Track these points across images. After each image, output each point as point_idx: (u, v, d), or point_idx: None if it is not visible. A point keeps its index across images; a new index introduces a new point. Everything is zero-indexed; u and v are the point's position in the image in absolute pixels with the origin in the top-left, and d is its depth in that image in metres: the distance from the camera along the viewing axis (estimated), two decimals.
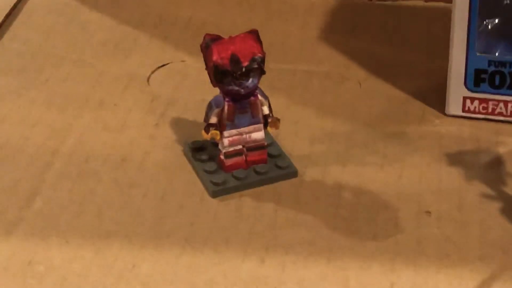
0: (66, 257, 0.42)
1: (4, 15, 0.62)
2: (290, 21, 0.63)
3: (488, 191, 0.47)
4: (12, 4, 0.63)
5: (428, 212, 0.45)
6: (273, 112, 0.48)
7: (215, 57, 0.45)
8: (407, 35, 0.61)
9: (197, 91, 0.55)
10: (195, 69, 0.57)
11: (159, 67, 0.58)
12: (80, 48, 0.60)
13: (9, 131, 0.51)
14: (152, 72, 0.57)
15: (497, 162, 0.49)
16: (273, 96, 0.49)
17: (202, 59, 0.47)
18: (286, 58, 0.59)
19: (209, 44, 0.45)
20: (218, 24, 0.62)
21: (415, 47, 0.59)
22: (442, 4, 0.63)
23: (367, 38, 0.61)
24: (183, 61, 0.59)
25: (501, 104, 0.52)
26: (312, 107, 0.54)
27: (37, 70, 0.57)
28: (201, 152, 0.49)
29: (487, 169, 0.48)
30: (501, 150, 0.50)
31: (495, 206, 0.46)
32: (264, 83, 0.47)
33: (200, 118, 0.49)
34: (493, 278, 0.41)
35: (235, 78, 0.45)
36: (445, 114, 0.53)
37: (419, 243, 0.43)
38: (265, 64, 0.46)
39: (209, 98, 0.48)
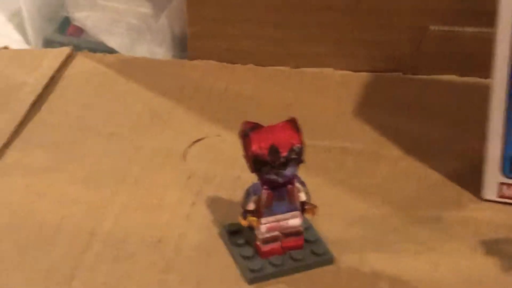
0: None
1: (41, 86, 0.62)
2: (323, 95, 0.63)
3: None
4: (50, 76, 0.64)
5: None
6: (310, 197, 0.48)
7: (254, 147, 0.45)
8: (442, 111, 0.61)
9: (233, 167, 0.55)
10: (231, 144, 0.57)
11: (194, 142, 0.58)
12: (117, 120, 0.60)
13: (47, 209, 0.52)
14: (188, 147, 0.58)
15: None
16: (308, 175, 0.49)
17: (237, 133, 0.47)
18: (321, 134, 0.59)
19: (247, 133, 0.46)
20: (253, 96, 0.63)
21: (450, 124, 0.59)
22: (477, 79, 0.63)
23: (401, 113, 0.61)
24: (218, 135, 0.59)
25: None
26: (346, 188, 0.54)
27: (74, 143, 0.58)
28: (237, 235, 0.49)
29: None
30: None
31: None
32: None
33: (236, 196, 0.50)
34: None
35: (274, 168, 0.45)
36: (481, 199, 0.53)
37: None
38: (304, 148, 0.47)
39: (245, 174, 0.48)
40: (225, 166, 0.56)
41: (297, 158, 0.45)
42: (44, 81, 0.63)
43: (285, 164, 0.45)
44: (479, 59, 0.54)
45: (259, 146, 0.45)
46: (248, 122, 0.46)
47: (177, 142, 0.58)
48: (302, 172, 0.48)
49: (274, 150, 0.45)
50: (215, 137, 0.59)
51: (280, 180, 0.46)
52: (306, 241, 0.48)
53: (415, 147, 0.57)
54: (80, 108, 0.62)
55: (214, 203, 0.53)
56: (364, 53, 0.65)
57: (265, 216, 0.47)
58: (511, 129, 0.50)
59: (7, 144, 0.57)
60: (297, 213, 0.47)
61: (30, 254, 0.48)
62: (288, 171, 0.46)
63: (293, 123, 0.46)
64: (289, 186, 0.47)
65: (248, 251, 0.48)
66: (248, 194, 0.47)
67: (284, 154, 0.45)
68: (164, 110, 0.62)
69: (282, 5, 0.65)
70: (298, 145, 0.45)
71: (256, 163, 0.45)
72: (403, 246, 0.49)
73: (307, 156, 0.53)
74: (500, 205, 0.52)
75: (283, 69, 0.66)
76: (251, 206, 0.47)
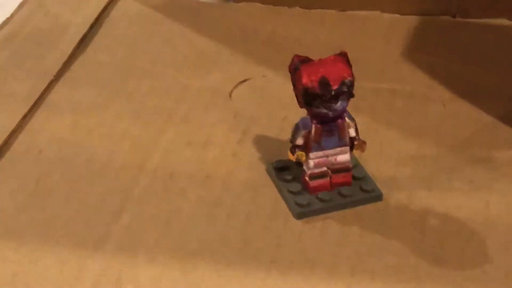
0: (153, 276, 0.42)
1: (88, 25, 0.63)
2: (372, 38, 0.63)
3: None
4: (95, 16, 0.64)
5: None
6: (359, 134, 0.48)
7: (304, 80, 0.44)
8: (492, 56, 0.60)
9: (279, 108, 0.55)
10: (277, 84, 0.57)
11: (241, 82, 0.58)
12: (163, 61, 0.60)
13: (96, 144, 0.52)
14: (234, 87, 0.58)
15: None
16: (356, 115, 0.49)
17: (283, 74, 0.47)
18: (369, 76, 0.58)
19: (298, 66, 0.45)
20: (300, 39, 0.62)
21: (500, 68, 0.58)
22: None
23: (450, 56, 0.60)
24: (264, 76, 0.59)
25: None
26: (396, 128, 0.53)
27: (122, 82, 0.58)
28: (285, 172, 0.49)
29: None
30: None
31: None
32: None
33: (283, 135, 0.49)
34: None
35: (324, 101, 0.45)
36: None
37: (508, 275, 0.43)
38: (354, 82, 0.46)
39: (291, 114, 0.48)
40: (271, 107, 0.56)
41: (347, 91, 0.45)
42: (90, 21, 0.63)
43: (336, 97, 0.45)
44: None
45: (310, 79, 0.44)
46: (298, 56, 0.46)
47: (223, 82, 0.58)
48: (350, 112, 0.48)
49: (325, 83, 0.44)
50: (261, 77, 0.58)
51: (331, 114, 0.45)
52: (355, 178, 0.48)
53: (466, 90, 0.57)
54: (126, 47, 0.62)
55: (261, 142, 0.53)
56: None
57: (314, 151, 0.47)
58: None
59: (54, 82, 0.57)
60: (347, 148, 0.47)
61: (79, 188, 0.48)
62: (339, 105, 0.45)
63: (344, 57, 0.46)
64: (339, 121, 0.46)
65: (296, 186, 0.48)
66: (297, 129, 0.47)
67: (335, 87, 0.44)
68: (210, 51, 0.61)
69: None
70: (350, 78, 0.45)
71: (307, 96, 0.45)
72: (454, 185, 0.49)
73: (355, 98, 0.53)
74: None
75: (330, 12, 0.65)
76: (300, 141, 0.47)
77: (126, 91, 0.57)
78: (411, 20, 0.64)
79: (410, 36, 0.63)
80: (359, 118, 0.50)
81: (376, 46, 0.62)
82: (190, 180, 0.49)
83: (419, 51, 0.61)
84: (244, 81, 0.58)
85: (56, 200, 0.48)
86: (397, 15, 0.65)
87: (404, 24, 0.64)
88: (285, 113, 0.54)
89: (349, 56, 0.47)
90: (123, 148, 0.52)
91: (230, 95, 0.57)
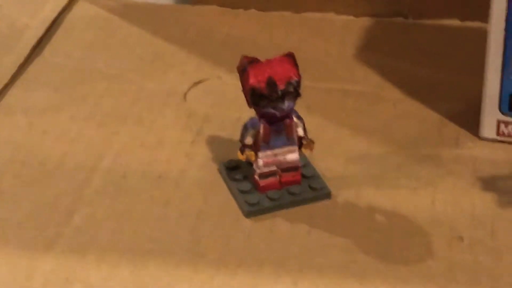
0: (103, 275, 0.43)
1: (44, 28, 0.63)
2: (327, 39, 0.64)
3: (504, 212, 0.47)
4: (52, 18, 0.64)
5: (461, 238, 0.45)
6: (308, 133, 0.48)
7: (251, 80, 0.45)
8: (443, 56, 0.61)
9: (233, 109, 0.55)
10: (232, 86, 0.57)
11: (196, 83, 0.59)
12: (119, 63, 0.61)
13: (49, 146, 0.52)
14: (189, 89, 0.58)
15: None
16: (308, 115, 0.50)
17: (238, 75, 0.47)
18: (323, 77, 0.59)
19: (246, 66, 0.46)
20: (256, 41, 0.63)
21: (451, 67, 0.59)
22: (478, 23, 0.63)
23: (403, 57, 0.61)
24: (219, 77, 0.59)
25: None
26: (346, 128, 0.54)
27: (77, 84, 0.58)
28: (236, 171, 0.50)
29: None
30: None
31: None
32: (299, 101, 0.48)
33: (236, 136, 0.50)
34: None
35: (271, 101, 0.46)
36: (479, 138, 0.53)
37: (451, 269, 0.44)
38: (301, 81, 0.47)
39: (245, 116, 0.48)
40: (225, 107, 0.56)
41: (294, 91, 0.46)
42: (46, 24, 0.64)
43: (282, 97, 0.46)
44: (480, 3, 0.54)
45: (257, 80, 0.45)
46: (246, 57, 0.46)
47: (178, 84, 0.59)
48: (302, 112, 0.49)
49: (271, 83, 0.45)
50: (216, 79, 0.59)
51: (278, 113, 0.46)
52: (304, 176, 0.49)
53: (416, 90, 0.58)
54: (82, 50, 0.62)
55: (214, 142, 0.53)
56: None
57: (263, 151, 0.47)
58: (509, 67, 0.51)
59: (10, 84, 0.58)
60: (295, 148, 0.48)
61: (32, 189, 0.49)
62: (286, 105, 0.46)
63: (290, 57, 0.46)
64: (287, 120, 0.47)
65: (246, 185, 0.48)
66: (246, 129, 0.47)
67: (282, 87, 0.45)
68: (166, 53, 0.62)
69: None
70: (296, 78, 0.46)
71: (254, 96, 0.45)
72: (401, 182, 0.50)
73: (308, 97, 0.54)
74: (498, 143, 0.53)
75: (285, 14, 0.66)
76: (249, 140, 0.47)
77: (81, 93, 0.57)
78: (365, 22, 0.65)
79: (363, 37, 0.64)
80: (311, 118, 0.51)
81: (330, 47, 0.63)
82: (142, 181, 0.50)
83: (372, 52, 0.62)
84: (199, 82, 0.59)
85: (7, 202, 0.48)
86: (352, 17, 0.65)
87: (358, 25, 0.65)
88: (239, 114, 0.54)
89: (303, 57, 0.48)
90: (76, 150, 0.52)
91: (184, 96, 0.57)
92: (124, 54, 0.62)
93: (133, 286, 0.42)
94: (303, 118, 0.48)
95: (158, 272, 0.43)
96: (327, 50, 0.62)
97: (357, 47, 0.62)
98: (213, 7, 0.67)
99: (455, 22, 0.64)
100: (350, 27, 0.65)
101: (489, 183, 0.49)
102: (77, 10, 0.66)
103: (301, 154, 0.49)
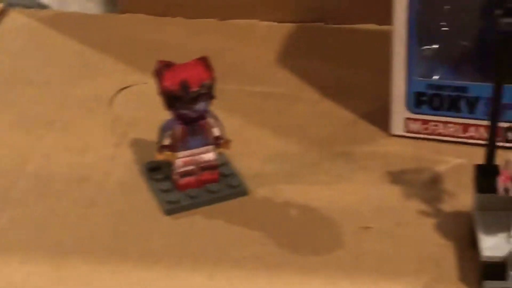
0: (25, 274, 0.44)
1: None
2: (250, 45, 0.65)
3: (426, 208, 0.49)
4: None
5: (368, 228, 0.48)
6: (229, 134, 0.50)
7: (166, 83, 0.47)
8: (361, 58, 0.63)
9: (158, 113, 0.55)
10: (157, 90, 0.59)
11: (122, 89, 0.60)
12: (48, 70, 0.62)
13: None
14: (116, 94, 0.59)
15: (436, 180, 0.51)
16: (229, 116, 0.52)
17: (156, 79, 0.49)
18: (245, 80, 0.61)
19: (161, 70, 0.47)
20: (182, 47, 0.64)
21: (368, 69, 0.61)
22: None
23: (322, 60, 0.63)
24: (145, 83, 0.60)
25: (441, 125, 0.54)
26: (266, 128, 0.56)
27: (6, 91, 0.59)
28: (157, 172, 0.51)
29: (427, 187, 0.50)
30: (441, 168, 0.52)
31: (432, 222, 0.48)
32: (221, 104, 0.49)
33: None
34: None
35: (185, 103, 0.47)
36: (390, 135, 0.55)
37: (358, 257, 0.46)
38: (224, 85, 0.48)
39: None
40: (150, 111, 0.57)
41: (207, 93, 0.47)
42: None
43: (196, 99, 0.47)
44: None
45: (171, 82, 0.47)
46: (161, 61, 0.48)
47: (105, 90, 0.60)
48: (223, 114, 0.50)
49: (184, 85, 0.47)
50: (142, 84, 0.60)
51: (192, 114, 0.48)
52: (222, 175, 0.51)
53: (333, 91, 0.59)
54: (12, 59, 0.63)
55: (138, 145, 0.55)
56: (289, 5, 0.67)
57: (181, 151, 0.49)
58: (413, 68, 0.52)
59: None
60: (211, 147, 0.49)
61: None
62: (200, 106, 0.47)
63: (204, 61, 0.48)
64: (202, 121, 0.48)
65: (166, 185, 0.50)
66: (162, 130, 0.49)
67: (195, 89, 0.47)
68: (95, 60, 0.63)
69: None
70: (209, 80, 0.47)
71: (168, 98, 0.47)
72: (315, 178, 0.52)
73: (230, 100, 0.55)
74: (406, 139, 0.54)
75: (211, 21, 0.67)
76: (166, 141, 0.49)
77: (10, 101, 0.58)
78: (287, 28, 0.67)
79: (285, 42, 0.65)
80: (232, 119, 0.53)
81: (253, 52, 0.64)
82: (67, 183, 0.51)
83: (293, 56, 0.64)
84: (126, 87, 0.60)
85: None
86: (274, 23, 0.67)
87: (280, 31, 0.66)
88: (163, 117, 0.55)
89: (228, 62, 0.50)
90: (2, 154, 0.53)
91: (111, 102, 0.59)
92: (53, 62, 0.63)
93: (56, 283, 0.44)
94: (224, 120, 0.50)
95: (80, 270, 0.45)
96: (250, 55, 0.64)
97: (279, 52, 0.64)
98: (141, 15, 0.68)
99: (372, 26, 0.66)
100: (272, 33, 0.66)
101: (397, 177, 0.51)
102: (8, 20, 0.67)
103: (221, 153, 0.51)
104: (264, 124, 0.56)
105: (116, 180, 0.52)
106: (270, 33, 0.66)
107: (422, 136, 0.54)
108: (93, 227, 0.48)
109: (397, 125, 0.54)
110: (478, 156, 0.46)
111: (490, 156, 0.45)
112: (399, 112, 0.54)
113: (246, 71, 0.62)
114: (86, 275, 0.45)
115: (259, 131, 0.56)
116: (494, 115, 0.45)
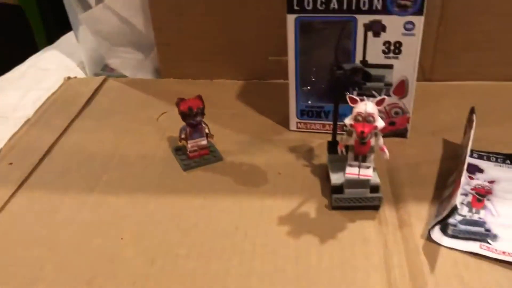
0: None
1: None
2: (222, 92, 0.60)
3: (305, 163, 0.49)
4: None
5: (279, 174, 0.48)
6: (213, 131, 0.51)
7: (181, 108, 0.50)
8: (275, 95, 0.58)
9: (179, 122, 0.51)
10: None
11: (162, 113, 0.58)
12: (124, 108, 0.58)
13: None
14: (160, 116, 0.57)
15: (311, 150, 0.52)
16: (212, 124, 0.51)
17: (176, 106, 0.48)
18: (219, 107, 0.58)
19: (178, 102, 0.50)
20: (187, 93, 0.57)
21: (279, 101, 0.56)
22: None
23: (257, 98, 0.58)
24: (169, 110, 0.58)
25: (313, 125, 0.54)
26: (230, 129, 0.54)
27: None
28: (180, 151, 0.53)
29: (307, 154, 0.51)
30: (313, 144, 0.53)
31: (308, 170, 0.48)
32: (208, 118, 0.49)
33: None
34: None
35: (190, 117, 0.50)
36: (289, 130, 0.55)
37: (276, 186, 0.47)
38: (209, 109, 0.49)
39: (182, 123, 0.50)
40: (175, 122, 0.51)
41: (201, 112, 0.50)
42: None
43: (196, 115, 0.50)
44: None
45: (183, 107, 0.50)
46: (179, 98, 0.50)
47: (156, 114, 0.58)
48: (209, 123, 0.50)
49: (190, 109, 0.50)
50: (171, 111, 0.59)
51: (194, 122, 0.51)
52: (210, 151, 0.52)
53: (263, 112, 0.57)
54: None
55: (170, 139, 0.54)
56: (239, 68, 0.61)
57: (190, 140, 0.52)
58: (298, 97, 0.52)
59: None
60: (204, 138, 0.52)
61: None
62: (198, 118, 0.51)
63: (199, 97, 0.50)
64: (199, 125, 0.52)
65: (184, 157, 0.52)
66: (180, 130, 0.51)
67: (195, 110, 0.50)
68: (149, 100, 0.60)
69: None
70: (202, 106, 0.50)
71: (183, 115, 0.50)
72: (256, 152, 0.50)
73: (212, 116, 0.53)
74: (297, 132, 0.55)
75: (204, 81, 0.63)
76: (182, 135, 0.52)
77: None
78: (240, 82, 0.62)
79: (240, 90, 0.62)
80: (214, 125, 0.53)
81: (223, 94, 0.60)
82: (138, 158, 0.51)
83: (242, 96, 0.60)
84: (164, 113, 0.58)
85: None
86: (230, 80, 0.62)
87: (235, 85, 0.62)
88: (181, 124, 0.51)
89: (211, 99, 0.48)
90: (96, 148, 0.52)
91: (157, 119, 0.57)
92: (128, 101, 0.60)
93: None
94: (210, 125, 0.51)
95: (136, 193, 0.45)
96: (223, 96, 0.59)
97: (235, 94, 0.60)
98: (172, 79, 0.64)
99: (281, 81, 0.59)
100: (232, 85, 0.61)
101: (293, 149, 0.52)
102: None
103: (209, 141, 0.53)
104: (229, 127, 0.56)
105: (160, 156, 0.53)
106: (230, 85, 0.64)
107: (304, 130, 0.55)
108: (149, 174, 0.49)
109: (293, 125, 0.55)
110: (329, 138, 0.48)
111: (334, 137, 0.48)
112: (293, 119, 0.54)
113: (219, 103, 0.59)
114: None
115: (227, 130, 0.55)
116: (335, 119, 0.47)
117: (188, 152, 0.51)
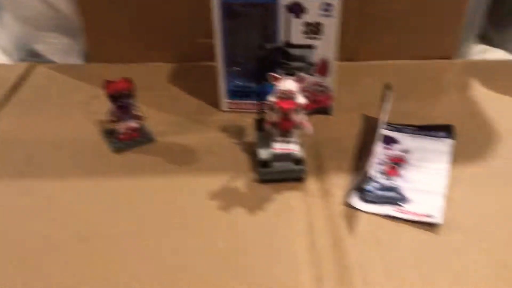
0: None
1: None
2: (154, 75, 0.60)
3: (237, 141, 0.50)
4: None
5: (212, 153, 0.48)
6: (145, 112, 0.50)
7: (109, 90, 0.48)
8: (206, 78, 0.57)
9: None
10: None
11: (94, 97, 0.57)
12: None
13: None
14: (91, 98, 0.56)
15: (242, 129, 0.53)
16: (145, 106, 0.51)
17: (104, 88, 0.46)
18: (154, 89, 0.57)
19: (106, 84, 0.48)
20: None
21: (212, 83, 0.55)
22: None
23: (195, 82, 0.59)
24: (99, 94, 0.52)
25: (242, 104, 0.55)
26: (163, 111, 0.54)
27: None
28: (111, 134, 0.51)
29: (237, 133, 0.51)
30: (242, 124, 0.54)
31: (238, 148, 0.49)
32: (142, 100, 0.49)
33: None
34: None
35: (119, 100, 0.49)
36: (220, 110, 0.56)
37: (212, 166, 0.47)
38: (143, 92, 0.48)
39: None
40: (104, 104, 0.50)
41: (130, 94, 0.49)
42: None
43: (125, 97, 0.49)
44: None
45: (111, 90, 0.49)
46: (107, 80, 0.49)
47: (86, 97, 0.57)
48: (143, 106, 0.50)
49: (118, 91, 0.49)
50: (102, 95, 0.58)
51: (124, 105, 0.50)
52: (142, 132, 0.52)
53: (195, 94, 0.57)
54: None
55: (100, 124, 0.53)
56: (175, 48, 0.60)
57: (120, 122, 0.51)
58: (227, 78, 0.53)
59: None
60: (134, 120, 0.51)
61: None
62: (127, 101, 0.50)
63: (127, 79, 0.49)
64: (129, 108, 0.50)
65: (115, 140, 0.51)
66: (110, 113, 0.50)
67: (123, 92, 0.49)
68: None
69: None
70: (130, 88, 0.50)
71: (112, 98, 0.49)
72: (189, 132, 0.51)
73: (145, 98, 0.52)
74: (228, 112, 0.55)
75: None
76: (113, 117, 0.50)
77: None
78: (171, 65, 0.62)
79: (180, 73, 0.61)
80: (147, 108, 0.53)
81: (158, 77, 0.60)
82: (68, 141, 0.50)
83: (180, 79, 0.59)
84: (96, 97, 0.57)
85: None
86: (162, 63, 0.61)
87: (170, 68, 0.62)
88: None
89: (147, 83, 0.49)
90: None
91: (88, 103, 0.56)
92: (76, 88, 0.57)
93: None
94: (141, 107, 0.50)
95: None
96: (158, 79, 0.59)
97: (172, 76, 0.60)
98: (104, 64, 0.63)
99: (210, 63, 0.54)
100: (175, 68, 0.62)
101: (223, 130, 0.53)
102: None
103: (139, 123, 0.52)
104: (161, 109, 0.55)
105: (91, 140, 0.51)
106: (161, 68, 0.62)
107: (236, 110, 0.55)
108: (80, 158, 0.48)
109: (224, 106, 0.56)
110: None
111: (261, 114, 0.49)
112: (223, 100, 0.55)
113: (151, 86, 0.58)
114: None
115: (159, 113, 0.55)
116: (260, 97, 0.48)
117: (119, 135, 0.51)
